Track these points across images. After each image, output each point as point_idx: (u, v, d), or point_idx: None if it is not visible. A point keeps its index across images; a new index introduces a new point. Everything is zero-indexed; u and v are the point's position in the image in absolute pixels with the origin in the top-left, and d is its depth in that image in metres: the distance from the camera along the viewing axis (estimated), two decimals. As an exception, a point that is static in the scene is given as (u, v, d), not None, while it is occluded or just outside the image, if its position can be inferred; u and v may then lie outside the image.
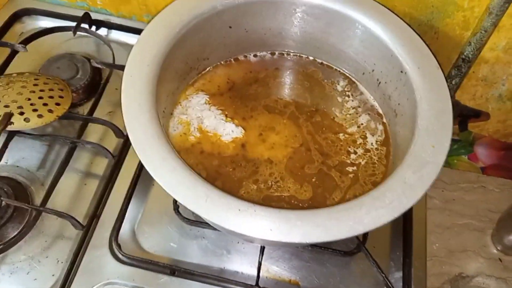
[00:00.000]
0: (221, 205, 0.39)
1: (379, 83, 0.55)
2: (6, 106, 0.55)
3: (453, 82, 0.63)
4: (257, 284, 0.52)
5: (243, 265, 0.55)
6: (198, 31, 0.52)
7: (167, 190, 0.39)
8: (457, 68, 0.61)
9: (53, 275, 0.53)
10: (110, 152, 0.58)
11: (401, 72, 0.50)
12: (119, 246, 0.54)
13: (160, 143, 0.42)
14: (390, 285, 0.52)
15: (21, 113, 0.55)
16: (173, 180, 0.40)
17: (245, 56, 0.61)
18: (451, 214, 0.68)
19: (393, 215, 0.39)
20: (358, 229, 0.39)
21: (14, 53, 0.66)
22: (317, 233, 0.38)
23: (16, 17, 0.72)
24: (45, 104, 0.57)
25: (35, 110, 0.56)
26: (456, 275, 0.62)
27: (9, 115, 0.55)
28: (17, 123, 0.55)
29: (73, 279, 0.52)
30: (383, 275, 0.52)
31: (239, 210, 0.39)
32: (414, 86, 0.48)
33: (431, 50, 0.50)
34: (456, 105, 0.51)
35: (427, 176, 0.42)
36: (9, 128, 0.55)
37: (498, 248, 0.63)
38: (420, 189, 0.41)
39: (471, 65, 0.61)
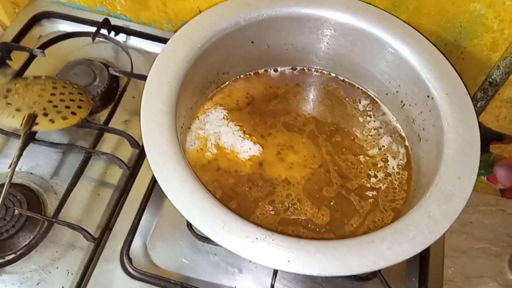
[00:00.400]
0: (238, 233, 0.38)
1: (403, 105, 0.54)
2: (29, 107, 0.55)
3: (478, 105, 0.62)
4: (269, 306, 0.51)
5: (254, 285, 0.54)
6: (219, 47, 0.51)
7: (184, 214, 0.38)
8: (483, 91, 0.60)
9: (63, 287, 0.52)
10: (125, 163, 0.58)
11: (428, 97, 0.49)
12: (130, 260, 0.53)
13: (178, 165, 0.41)
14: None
15: (45, 114, 0.55)
16: (190, 204, 0.39)
17: (266, 71, 0.60)
18: (468, 237, 0.66)
19: (416, 250, 0.38)
20: (379, 264, 0.37)
21: (32, 57, 0.66)
22: (337, 266, 0.37)
23: (36, 20, 0.72)
24: (67, 107, 0.56)
25: (58, 112, 0.55)
26: (472, 302, 0.60)
27: (34, 116, 0.54)
28: (42, 124, 0.54)
29: (83, 292, 0.52)
30: (399, 304, 0.50)
31: (257, 238, 0.38)
32: (442, 112, 0.46)
33: (460, 76, 0.48)
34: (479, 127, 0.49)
35: (453, 210, 0.40)
36: (34, 128, 0.54)
37: (517, 275, 0.62)
38: (445, 224, 0.40)
39: (498, 89, 0.59)
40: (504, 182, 0.74)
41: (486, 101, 0.61)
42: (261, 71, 0.60)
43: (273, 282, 0.51)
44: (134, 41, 0.71)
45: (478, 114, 0.64)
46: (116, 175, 0.60)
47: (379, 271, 0.53)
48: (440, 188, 0.42)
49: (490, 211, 0.69)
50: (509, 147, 0.74)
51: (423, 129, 0.50)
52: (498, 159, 0.75)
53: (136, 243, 0.55)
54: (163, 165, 0.41)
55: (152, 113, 0.43)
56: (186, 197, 0.39)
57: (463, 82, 0.48)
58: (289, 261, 0.37)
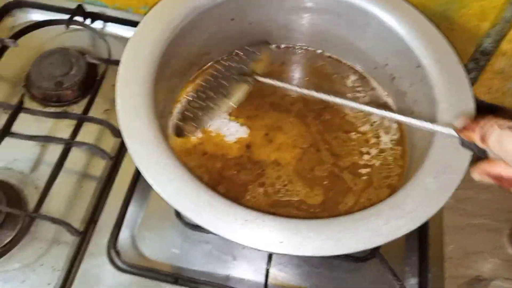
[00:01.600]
0: (226, 216, 0.36)
1: (393, 78, 0.52)
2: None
3: (470, 76, 0.60)
4: (264, 293, 0.49)
5: (249, 271, 0.52)
6: (197, 25, 0.49)
7: (168, 200, 0.36)
8: (474, 61, 0.58)
9: (49, 284, 0.50)
10: (107, 153, 0.55)
11: (418, 67, 0.47)
12: (118, 253, 0.51)
13: (158, 149, 0.39)
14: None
15: None
16: (174, 189, 0.37)
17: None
18: (465, 214, 0.65)
19: (414, 225, 0.37)
20: (376, 241, 0.36)
21: (4, 48, 0.62)
22: (331, 246, 0.35)
23: (6, 10, 0.68)
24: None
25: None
26: (472, 278, 0.59)
27: None
28: None
29: (70, 288, 0.49)
30: (400, 283, 0.49)
31: (246, 220, 0.36)
32: (433, 82, 0.45)
33: (451, 44, 0.46)
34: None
35: (450, 182, 0.39)
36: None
37: (516, 249, 0.60)
38: (443, 196, 0.38)
39: (490, 58, 0.57)
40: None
41: (478, 72, 0.59)
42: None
43: (268, 267, 0.49)
44: (111, 28, 0.68)
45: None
46: (98, 166, 0.57)
47: (379, 250, 0.52)
48: (436, 159, 0.40)
49: (486, 186, 0.68)
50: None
51: (415, 100, 0.49)
52: (491, 133, 0.74)
53: (124, 235, 0.53)
54: (143, 150, 0.39)
55: (128, 97, 0.41)
56: (169, 182, 0.37)
57: (455, 50, 0.46)
58: (281, 242, 0.35)
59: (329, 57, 0.58)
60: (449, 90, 0.44)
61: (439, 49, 0.46)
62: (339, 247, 0.35)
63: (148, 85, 0.42)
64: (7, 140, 0.55)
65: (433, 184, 0.38)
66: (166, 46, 0.45)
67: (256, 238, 0.36)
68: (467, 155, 0.40)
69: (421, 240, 0.55)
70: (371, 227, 0.36)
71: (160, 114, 0.44)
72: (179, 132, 0.50)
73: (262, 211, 0.37)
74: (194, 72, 0.54)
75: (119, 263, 0.51)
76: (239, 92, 0.52)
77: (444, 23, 0.59)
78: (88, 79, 0.62)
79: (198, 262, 0.53)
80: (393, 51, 0.50)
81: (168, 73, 0.47)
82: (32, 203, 0.54)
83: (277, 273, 0.53)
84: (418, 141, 0.47)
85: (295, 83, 0.56)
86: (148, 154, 0.38)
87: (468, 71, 0.60)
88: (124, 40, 0.67)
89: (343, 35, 0.54)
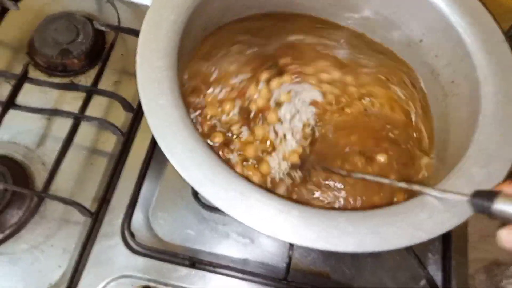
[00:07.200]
0: (258, 206, 0.34)
1: (428, 56, 0.48)
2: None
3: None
4: (285, 278, 0.47)
5: (269, 255, 0.50)
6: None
7: (197, 188, 0.33)
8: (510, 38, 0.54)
9: (59, 266, 0.48)
10: (118, 129, 0.52)
11: (459, 45, 0.43)
12: (132, 234, 0.48)
13: (185, 130, 0.35)
14: (432, 280, 0.47)
15: None
16: (203, 175, 0.34)
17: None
18: (483, 194, 0.63)
19: (460, 219, 0.34)
20: (420, 237, 0.33)
21: (4, 11, 0.58)
22: (373, 242, 0.33)
23: (5, -32, 0.63)
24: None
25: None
26: (491, 262, 0.58)
27: None
28: None
29: (83, 271, 0.47)
30: (426, 271, 0.47)
31: (280, 211, 0.34)
32: (476, 62, 0.41)
33: (497, 21, 0.43)
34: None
35: (497, 172, 0.36)
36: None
37: (534, 232, 0.59)
38: (489, 188, 0.35)
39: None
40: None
41: (512, 49, 0.56)
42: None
43: (290, 253, 0.47)
44: (120, -9, 0.63)
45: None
46: (109, 142, 0.54)
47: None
48: (481, 148, 0.37)
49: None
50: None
51: (452, 81, 0.45)
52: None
53: (137, 215, 0.50)
54: (167, 129, 0.35)
55: (149, 70, 0.37)
56: (196, 167, 0.34)
57: (501, 28, 0.42)
58: (317, 236, 0.33)
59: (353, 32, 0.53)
60: (495, 72, 0.40)
61: (483, 26, 0.43)
62: (381, 243, 0.33)
63: (172, 57, 0.38)
64: (11, 113, 0.51)
65: (480, 174, 0.36)
66: (189, 14, 0.41)
67: (289, 232, 0.33)
68: (514, 144, 0.37)
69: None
70: (414, 221, 0.34)
71: (183, 91, 0.41)
72: None
73: (300, 202, 0.34)
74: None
75: (133, 245, 0.49)
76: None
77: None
78: (96, 47, 0.58)
79: (214, 244, 0.51)
80: (430, 27, 0.46)
81: (188, 45, 0.43)
82: (39, 180, 0.51)
83: (297, 257, 0.51)
84: (454, 126, 0.44)
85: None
86: (174, 137, 0.35)
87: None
88: (133, 6, 0.62)
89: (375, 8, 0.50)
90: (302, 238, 0.33)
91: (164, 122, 0.36)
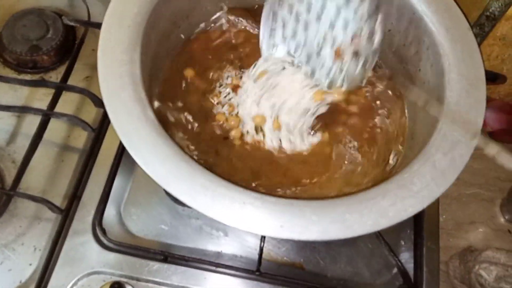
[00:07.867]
0: (222, 198, 0.34)
1: (396, 45, 0.48)
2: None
3: (473, 43, 0.57)
4: (258, 270, 0.47)
5: (242, 248, 0.51)
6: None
7: (159, 182, 0.33)
8: (479, 26, 0.55)
9: (30, 265, 0.47)
10: (89, 125, 0.51)
11: (425, 33, 0.43)
12: (103, 231, 0.48)
13: (147, 125, 0.35)
14: (402, 267, 0.48)
15: None
16: (165, 170, 0.34)
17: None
18: (458, 183, 0.63)
19: (422, 205, 0.34)
20: (382, 224, 0.34)
21: (-29, 8, 0.57)
22: (336, 229, 0.33)
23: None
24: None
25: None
26: (464, 248, 0.58)
27: None
28: None
29: (54, 268, 0.47)
30: (396, 259, 0.47)
31: (244, 203, 0.34)
32: (441, 50, 0.42)
33: (461, 10, 0.43)
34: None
35: (460, 159, 0.36)
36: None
37: (507, 218, 0.60)
38: (452, 174, 0.36)
39: (496, 23, 0.54)
40: (492, 125, 0.71)
41: (482, 38, 0.56)
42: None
43: (262, 245, 0.47)
44: (90, -14, 0.63)
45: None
46: (80, 138, 0.54)
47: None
48: (444, 134, 0.37)
49: (480, 155, 0.66)
50: (499, 88, 0.70)
51: (419, 70, 0.46)
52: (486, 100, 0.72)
53: (109, 211, 0.50)
54: (129, 125, 0.35)
55: (111, 64, 0.37)
56: (159, 162, 0.34)
57: (465, 16, 0.43)
58: (281, 226, 0.33)
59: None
60: (459, 59, 0.41)
61: (449, 14, 0.43)
62: (344, 231, 0.33)
63: (134, 50, 0.38)
64: (-21, 111, 0.50)
65: (443, 161, 0.36)
66: (153, 6, 0.41)
67: (255, 222, 0.33)
68: (477, 130, 0.37)
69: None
70: (377, 208, 0.34)
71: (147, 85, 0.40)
72: None
73: (262, 192, 0.34)
74: (180, 40, 0.49)
75: (105, 241, 0.48)
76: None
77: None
78: (66, 43, 0.57)
79: (188, 238, 0.51)
80: (397, 17, 0.47)
81: (154, 37, 0.43)
82: (9, 178, 0.50)
83: (271, 249, 0.51)
84: (421, 114, 0.44)
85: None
86: (136, 131, 0.35)
87: (472, 37, 0.57)
88: (104, 1, 0.62)
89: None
90: (267, 228, 0.33)
91: (127, 117, 0.35)
